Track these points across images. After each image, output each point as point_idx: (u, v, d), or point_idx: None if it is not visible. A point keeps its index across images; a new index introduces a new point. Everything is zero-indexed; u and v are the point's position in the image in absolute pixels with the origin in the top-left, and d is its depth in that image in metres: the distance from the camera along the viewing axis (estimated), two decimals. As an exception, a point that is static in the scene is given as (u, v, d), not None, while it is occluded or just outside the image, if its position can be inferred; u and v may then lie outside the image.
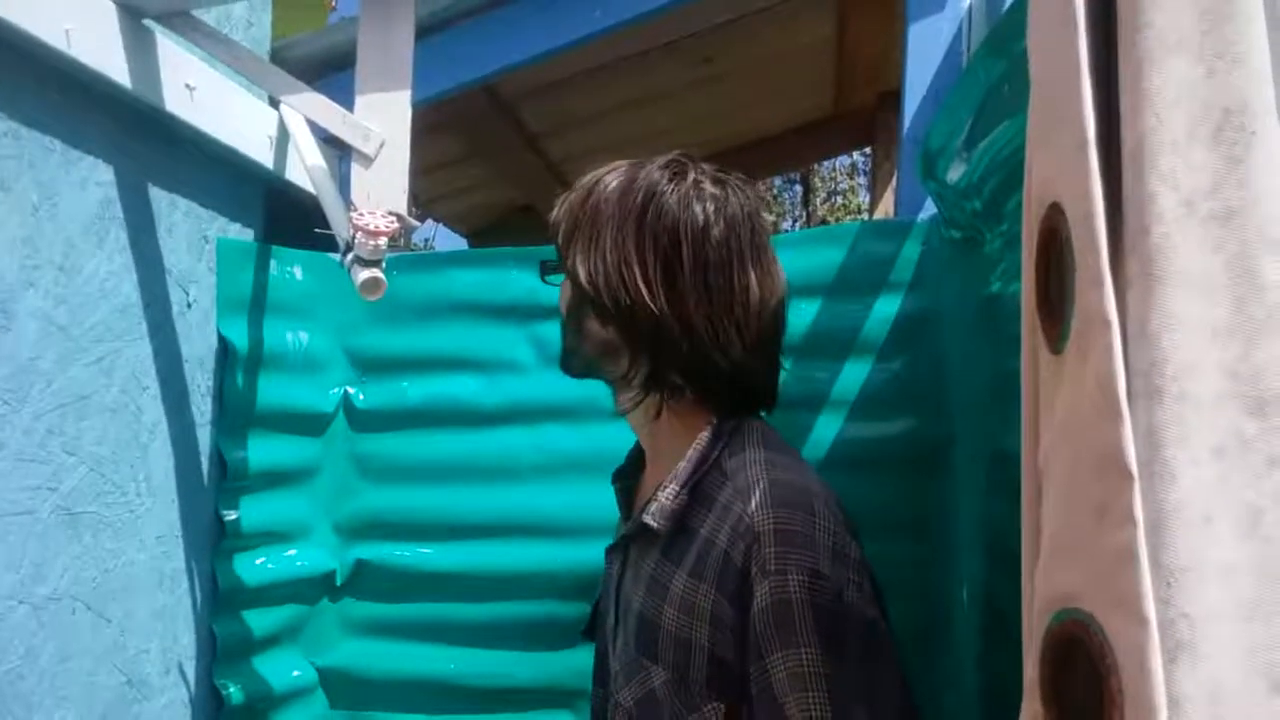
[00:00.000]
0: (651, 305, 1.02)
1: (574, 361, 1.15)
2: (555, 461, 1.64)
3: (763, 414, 1.18)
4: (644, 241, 1.04)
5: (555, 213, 1.11)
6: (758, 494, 0.97)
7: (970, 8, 1.59)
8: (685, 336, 1.03)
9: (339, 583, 1.72)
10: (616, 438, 1.33)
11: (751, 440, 1.06)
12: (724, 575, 0.96)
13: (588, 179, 1.10)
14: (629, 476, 1.25)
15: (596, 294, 1.05)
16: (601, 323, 1.08)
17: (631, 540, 1.12)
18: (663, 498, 1.05)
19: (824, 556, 0.93)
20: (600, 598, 1.25)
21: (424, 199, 3.64)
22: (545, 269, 1.19)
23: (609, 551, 1.21)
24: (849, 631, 0.92)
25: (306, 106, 1.49)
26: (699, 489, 1.04)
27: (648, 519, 1.04)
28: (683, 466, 1.05)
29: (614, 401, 1.16)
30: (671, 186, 1.05)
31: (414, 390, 1.72)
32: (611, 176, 1.08)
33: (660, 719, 0.99)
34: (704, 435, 1.07)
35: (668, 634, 1.00)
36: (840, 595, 0.92)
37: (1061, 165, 0.49)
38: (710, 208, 1.04)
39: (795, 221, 11.58)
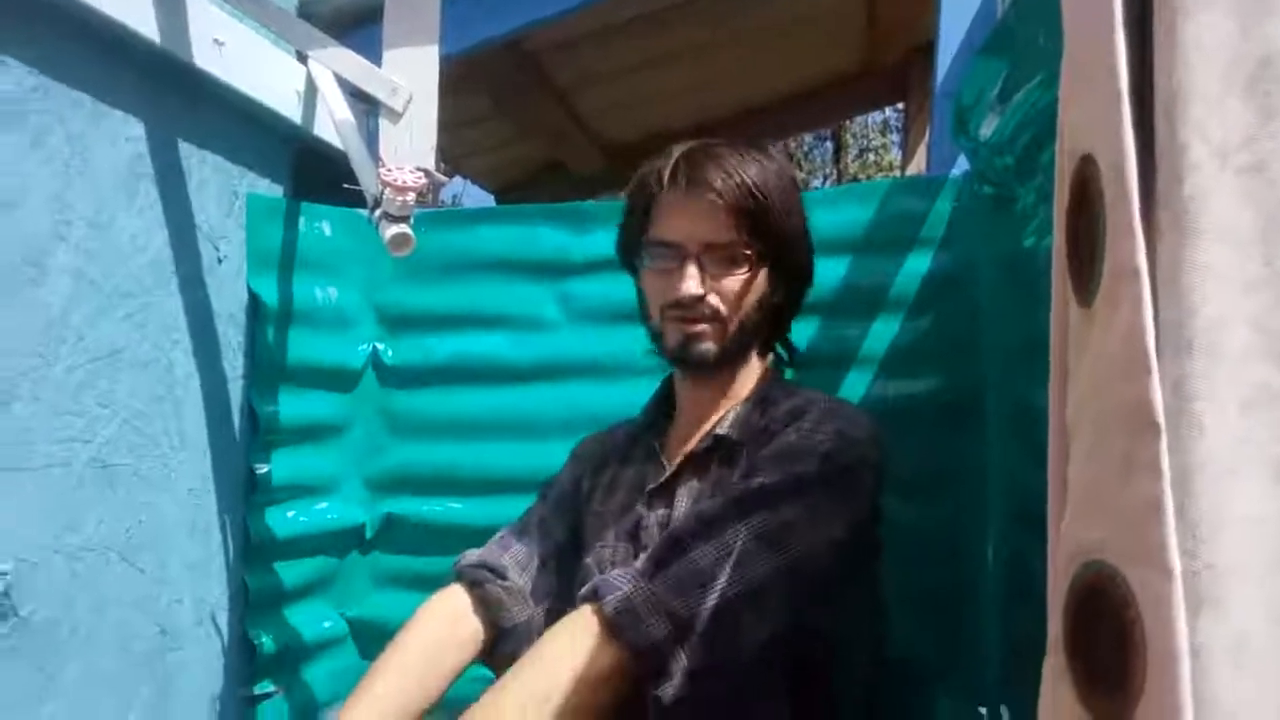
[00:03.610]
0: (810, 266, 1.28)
1: (739, 347, 1.21)
2: (582, 418, 1.64)
3: (791, 370, 1.33)
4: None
5: (754, 205, 1.14)
6: (822, 397, 1.18)
7: (1005, -40, 1.56)
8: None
9: (368, 536, 1.74)
10: (644, 393, 1.34)
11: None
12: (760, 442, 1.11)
13: (745, 169, 1.15)
14: (661, 432, 1.30)
15: (808, 263, 1.27)
16: (777, 289, 1.22)
17: (687, 468, 1.19)
18: (735, 413, 1.19)
19: (860, 428, 1.11)
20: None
21: (452, 156, 3.63)
22: (738, 262, 1.18)
23: (653, 494, 1.20)
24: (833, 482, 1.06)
25: (334, 61, 1.48)
26: (764, 404, 1.19)
27: (723, 430, 1.17)
28: (753, 391, 1.23)
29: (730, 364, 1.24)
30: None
31: (442, 347, 1.73)
32: (758, 168, 1.16)
33: None
34: (768, 371, 1.28)
35: None
36: (850, 468, 1.08)
37: (1094, 117, 0.48)
38: None
39: (826, 179, 11.48)
